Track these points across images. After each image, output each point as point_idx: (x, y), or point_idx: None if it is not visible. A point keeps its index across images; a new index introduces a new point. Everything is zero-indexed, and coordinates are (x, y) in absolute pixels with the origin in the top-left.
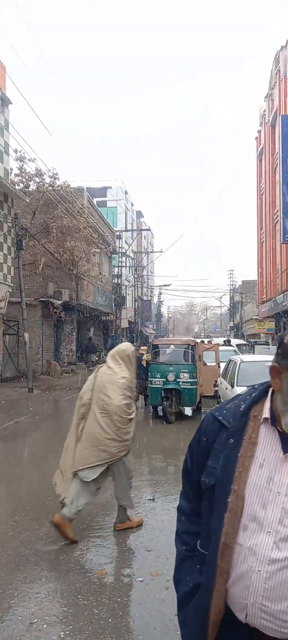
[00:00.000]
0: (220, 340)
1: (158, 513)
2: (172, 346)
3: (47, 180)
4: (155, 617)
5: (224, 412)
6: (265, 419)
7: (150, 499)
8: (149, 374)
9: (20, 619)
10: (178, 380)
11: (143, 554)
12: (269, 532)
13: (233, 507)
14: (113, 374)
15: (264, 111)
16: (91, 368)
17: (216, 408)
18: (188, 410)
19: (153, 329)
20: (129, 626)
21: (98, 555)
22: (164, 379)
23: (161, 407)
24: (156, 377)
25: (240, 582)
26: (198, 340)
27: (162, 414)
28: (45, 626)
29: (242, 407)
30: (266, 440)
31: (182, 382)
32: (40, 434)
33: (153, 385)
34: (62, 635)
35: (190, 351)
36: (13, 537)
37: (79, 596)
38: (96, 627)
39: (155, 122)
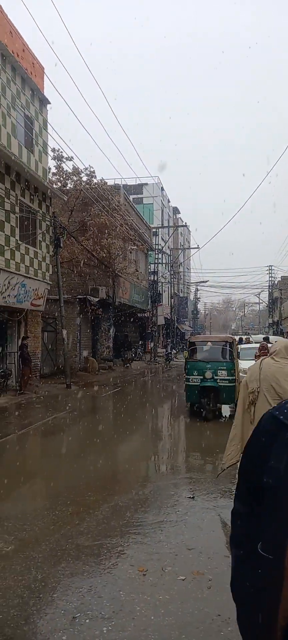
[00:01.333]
0: (260, 337)
1: (199, 512)
2: (209, 343)
3: (84, 178)
4: (198, 616)
5: (285, 411)
6: None
7: (190, 497)
8: (186, 371)
9: (63, 612)
10: (216, 377)
11: (184, 552)
12: None
13: None
14: (282, 366)
15: None
16: (127, 365)
17: (275, 407)
18: (226, 409)
19: (190, 326)
20: (172, 624)
21: (139, 552)
22: (202, 377)
23: (198, 405)
24: (193, 375)
25: None
26: (237, 338)
27: (200, 412)
28: (87, 621)
29: None
30: None
31: (220, 379)
32: (78, 429)
33: (190, 383)
34: (105, 631)
35: (228, 348)
36: (54, 531)
37: (121, 592)
38: (138, 624)
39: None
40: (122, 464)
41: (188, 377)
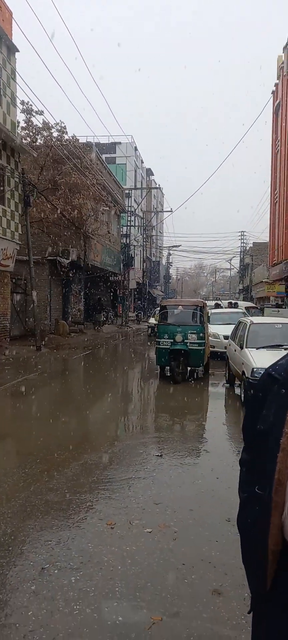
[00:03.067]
0: (244, 303)
1: (166, 469)
2: (180, 307)
3: (55, 134)
4: (163, 565)
5: (277, 367)
6: None
7: (158, 455)
8: (157, 334)
9: (32, 564)
10: (186, 341)
11: (151, 506)
12: None
13: (285, 447)
14: None
15: (282, 63)
16: (98, 328)
17: (270, 366)
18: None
19: (162, 291)
20: (138, 573)
21: (107, 507)
22: (172, 340)
23: (168, 367)
24: (164, 338)
25: None
26: (212, 303)
27: (169, 375)
28: (56, 572)
29: None
30: None
31: (190, 342)
32: (48, 391)
33: (161, 346)
34: (73, 581)
35: (198, 312)
36: (24, 488)
37: (89, 544)
38: (105, 573)
39: (165, 74)
40: (92, 425)
41: (158, 340)
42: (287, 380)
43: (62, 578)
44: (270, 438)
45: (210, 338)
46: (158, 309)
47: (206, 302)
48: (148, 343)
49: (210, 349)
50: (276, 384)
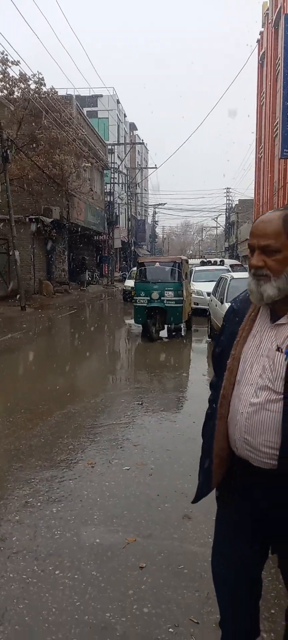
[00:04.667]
0: (231, 261)
1: (146, 415)
2: (157, 264)
3: (33, 86)
4: (140, 497)
5: (237, 299)
6: None
7: (138, 403)
8: (135, 292)
9: (17, 498)
10: (162, 298)
11: (130, 448)
12: (252, 384)
13: (230, 366)
14: None
15: (267, 10)
16: (82, 288)
17: (233, 298)
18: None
19: (148, 250)
20: (115, 503)
21: (88, 449)
22: (149, 297)
23: (145, 325)
24: (141, 296)
25: (231, 423)
26: (197, 261)
27: (146, 333)
28: (39, 504)
29: (249, 294)
30: (261, 317)
31: (167, 300)
32: (34, 348)
33: (137, 304)
34: (55, 511)
35: (176, 269)
36: (8, 435)
37: (70, 481)
38: (85, 504)
39: (149, 22)
40: (76, 379)
41: (136, 298)
42: (241, 309)
43: (44, 509)
44: (223, 359)
45: (193, 295)
46: (135, 269)
47: (188, 259)
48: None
49: (194, 305)
50: (233, 313)
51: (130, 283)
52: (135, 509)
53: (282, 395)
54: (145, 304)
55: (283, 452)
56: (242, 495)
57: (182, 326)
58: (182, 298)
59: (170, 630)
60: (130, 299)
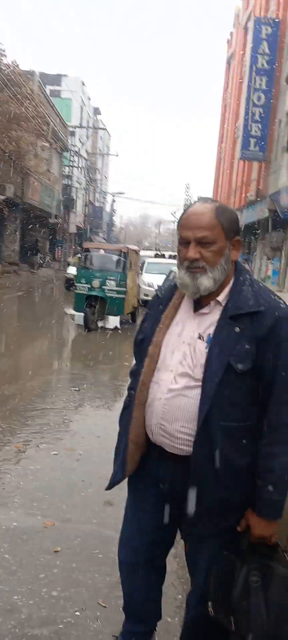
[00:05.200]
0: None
1: (81, 400)
2: (102, 251)
3: None
4: (63, 481)
5: (161, 287)
6: None
7: (75, 389)
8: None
9: None
10: (104, 287)
11: (61, 433)
12: (171, 370)
13: (151, 353)
14: None
15: (238, 10)
16: (33, 271)
17: (158, 287)
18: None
19: (104, 238)
20: (38, 487)
21: (19, 433)
22: (89, 285)
23: (83, 313)
24: (81, 283)
25: (148, 409)
26: (149, 252)
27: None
28: None
29: (174, 282)
30: (185, 305)
31: (108, 289)
32: None
33: (78, 291)
34: None
35: (122, 258)
36: None
37: None
38: (7, 488)
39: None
40: (14, 361)
41: (77, 284)
42: (165, 298)
43: None
44: (144, 346)
45: (144, 287)
46: (79, 255)
47: (137, 249)
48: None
49: (144, 297)
50: (157, 301)
51: (73, 270)
52: (57, 493)
53: (200, 382)
54: (85, 292)
55: (198, 438)
56: (153, 482)
57: (118, 320)
58: (124, 289)
59: (77, 613)
60: (72, 288)
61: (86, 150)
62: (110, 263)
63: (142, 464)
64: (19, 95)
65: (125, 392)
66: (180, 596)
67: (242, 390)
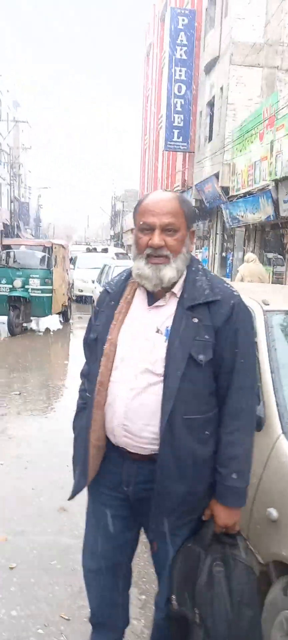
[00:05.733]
0: (99, 248)
1: (23, 404)
2: (23, 247)
3: None
4: (13, 492)
5: (111, 283)
6: (138, 282)
7: (16, 393)
8: None
9: None
10: (27, 286)
11: (5, 441)
12: (131, 367)
13: (107, 352)
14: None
15: (154, 2)
16: None
17: (107, 282)
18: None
19: (32, 234)
20: None
21: None
22: (11, 285)
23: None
24: (1, 283)
25: (109, 410)
26: (79, 247)
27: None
28: None
29: (124, 276)
30: (138, 299)
31: (32, 289)
32: None
33: None
34: None
35: (46, 254)
36: None
37: None
38: None
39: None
40: None
41: None
42: (116, 293)
43: None
44: (98, 345)
45: (78, 282)
46: None
47: (64, 244)
48: None
49: (78, 292)
50: (108, 297)
51: None
52: (7, 505)
53: (162, 377)
54: (6, 293)
55: (163, 435)
56: (115, 484)
57: (47, 320)
58: (50, 287)
59: (40, 631)
60: None
61: (8, 145)
62: (33, 260)
63: (102, 466)
64: None
65: (67, 391)
66: (143, 596)
67: (203, 382)
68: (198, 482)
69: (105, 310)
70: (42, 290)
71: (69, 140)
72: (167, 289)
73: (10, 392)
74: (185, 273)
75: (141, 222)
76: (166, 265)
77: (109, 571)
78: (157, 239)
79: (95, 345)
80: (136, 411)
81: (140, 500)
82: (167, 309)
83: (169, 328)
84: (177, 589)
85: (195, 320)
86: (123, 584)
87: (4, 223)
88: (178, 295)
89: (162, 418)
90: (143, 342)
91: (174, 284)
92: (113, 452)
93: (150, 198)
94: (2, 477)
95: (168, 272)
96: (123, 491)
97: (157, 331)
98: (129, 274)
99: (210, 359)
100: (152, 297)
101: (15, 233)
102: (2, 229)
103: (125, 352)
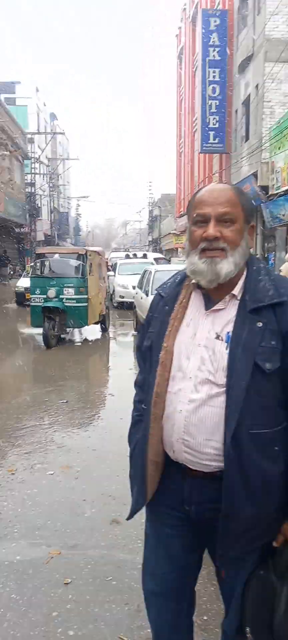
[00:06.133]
0: (139, 253)
1: (70, 413)
2: (57, 255)
3: None
4: (64, 503)
5: (164, 286)
6: (193, 284)
7: (63, 402)
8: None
9: None
10: (61, 296)
11: (55, 450)
12: (190, 378)
13: (163, 361)
14: None
15: (185, 5)
16: (4, 282)
17: (160, 286)
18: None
19: (72, 244)
20: (38, 513)
21: (9, 455)
22: (45, 296)
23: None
24: (36, 294)
25: (167, 423)
26: (118, 254)
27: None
28: None
29: (178, 279)
30: (194, 303)
31: (66, 299)
32: None
33: (33, 303)
34: None
35: (80, 262)
36: None
37: None
38: (4, 517)
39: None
40: None
41: (31, 296)
42: (170, 297)
43: None
44: (153, 353)
45: (119, 288)
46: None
47: (99, 251)
48: None
49: (119, 299)
50: (161, 302)
51: (24, 283)
52: (59, 517)
53: (225, 388)
54: (40, 303)
55: (227, 451)
56: (176, 503)
57: (81, 330)
58: (85, 296)
59: None
60: (26, 304)
61: (46, 157)
62: (67, 268)
63: (162, 484)
64: None
65: (113, 399)
66: (205, 617)
67: (271, 393)
68: (268, 502)
69: (159, 316)
70: (77, 300)
71: (106, 148)
72: (226, 291)
73: (57, 400)
74: (245, 273)
75: (195, 215)
76: (222, 259)
77: (172, 594)
78: (212, 229)
79: (149, 354)
80: (197, 425)
81: (204, 520)
82: (227, 313)
83: (230, 334)
84: (252, 621)
85: (260, 324)
86: (187, 608)
87: (45, 233)
88: (239, 298)
89: (226, 433)
90: (202, 349)
91: (233, 284)
92: (172, 468)
93: (204, 189)
94: (53, 487)
95: (225, 266)
96: (184, 510)
97: (217, 337)
98: (183, 277)
99: (277, 367)
100: (210, 301)
101: (56, 243)
102: (44, 239)
103: (183, 361)
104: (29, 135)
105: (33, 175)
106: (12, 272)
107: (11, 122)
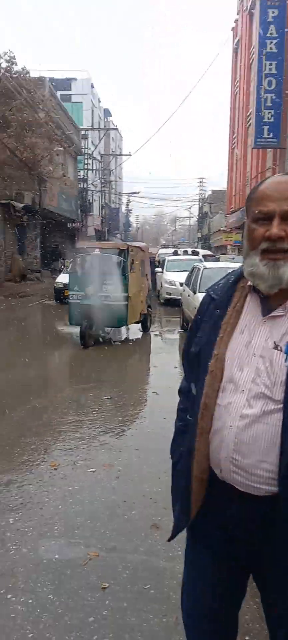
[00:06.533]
0: (189, 250)
1: (114, 410)
2: (97, 251)
3: (4, 65)
4: (105, 503)
5: (216, 287)
6: (249, 286)
7: (107, 398)
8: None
9: None
10: (100, 294)
11: (97, 447)
12: (243, 391)
13: (213, 369)
14: None
15: None
16: (54, 277)
17: (211, 286)
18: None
19: (121, 239)
20: (78, 511)
21: (53, 449)
22: (84, 293)
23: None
24: (74, 291)
25: (215, 439)
26: (169, 251)
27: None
28: None
29: (231, 280)
30: (249, 308)
31: (105, 297)
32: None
33: (71, 300)
34: (11, 522)
35: (120, 258)
36: None
37: (31, 486)
38: (45, 513)
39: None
40: (43, 372)
41: (70, 293)
42: (222, 300)
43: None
44: (201, 360)
45: (166, 285)
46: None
47: (142, 247)
48: None
49: (167, 295)
50: (212, 304)
51: (63, 279)
52: (99, 517)
53: (282, 405)
54: (79, 301)
55: (285, 476)
56: (219, 524)
57: (122, 330)
58: (125, 294)
59: None
60: (65, 300)
61: (99, 152)
62: (107, 265)
63: (206, 502)
64: (31, 102)
65: (157, 398)
66: (247, 637)
67: None
68: None
69: (209, 320)
70: (117, 298)
71: (156, 145)
72: (286, 295)
73: (101, 396)
74: None
75: (256, 211)
76: (286, 262)
77: (212, 618)
78: (276, 229)
79: (197, 360)
80: (249, 444)
81: (251, 545)
82: (287, 320)
83: None
84: None
85: None
86: (228, 634)
87: (95, 229)
88: None
89: (284, 455)
90: (258, 359)
91: None
92: (219, 487)
93: (268, 182)
94: (94, 486)
95: None
96: (228, 531)
97: (275, 347)
98: (237, 278)
99: None
100: (268, 306)
101: (106, 238)
102: (94, 234)
103: (235, 371)
104: (83, 132)
105: (86, 171)
106: (62, 267)
107: (66, 119)
